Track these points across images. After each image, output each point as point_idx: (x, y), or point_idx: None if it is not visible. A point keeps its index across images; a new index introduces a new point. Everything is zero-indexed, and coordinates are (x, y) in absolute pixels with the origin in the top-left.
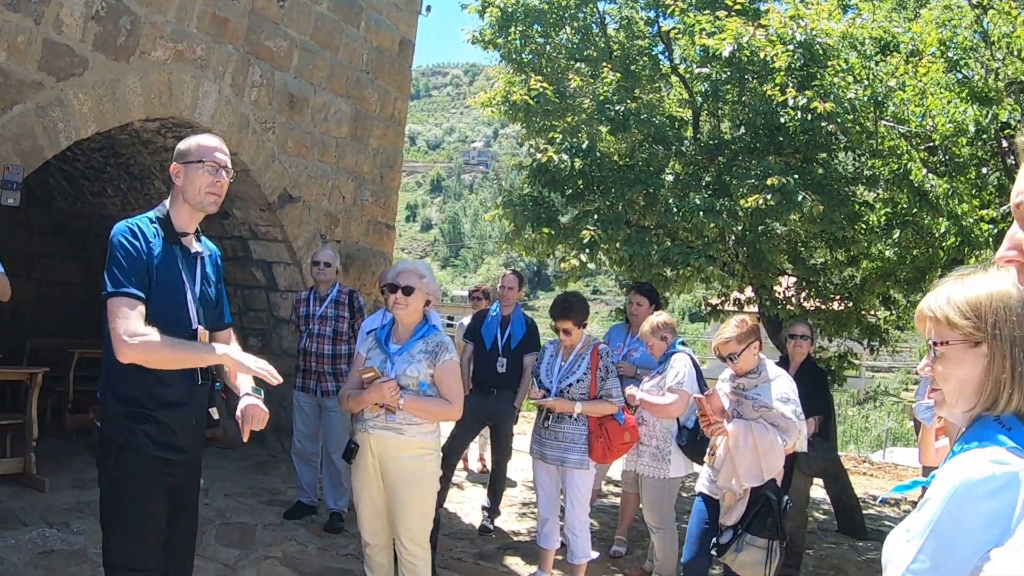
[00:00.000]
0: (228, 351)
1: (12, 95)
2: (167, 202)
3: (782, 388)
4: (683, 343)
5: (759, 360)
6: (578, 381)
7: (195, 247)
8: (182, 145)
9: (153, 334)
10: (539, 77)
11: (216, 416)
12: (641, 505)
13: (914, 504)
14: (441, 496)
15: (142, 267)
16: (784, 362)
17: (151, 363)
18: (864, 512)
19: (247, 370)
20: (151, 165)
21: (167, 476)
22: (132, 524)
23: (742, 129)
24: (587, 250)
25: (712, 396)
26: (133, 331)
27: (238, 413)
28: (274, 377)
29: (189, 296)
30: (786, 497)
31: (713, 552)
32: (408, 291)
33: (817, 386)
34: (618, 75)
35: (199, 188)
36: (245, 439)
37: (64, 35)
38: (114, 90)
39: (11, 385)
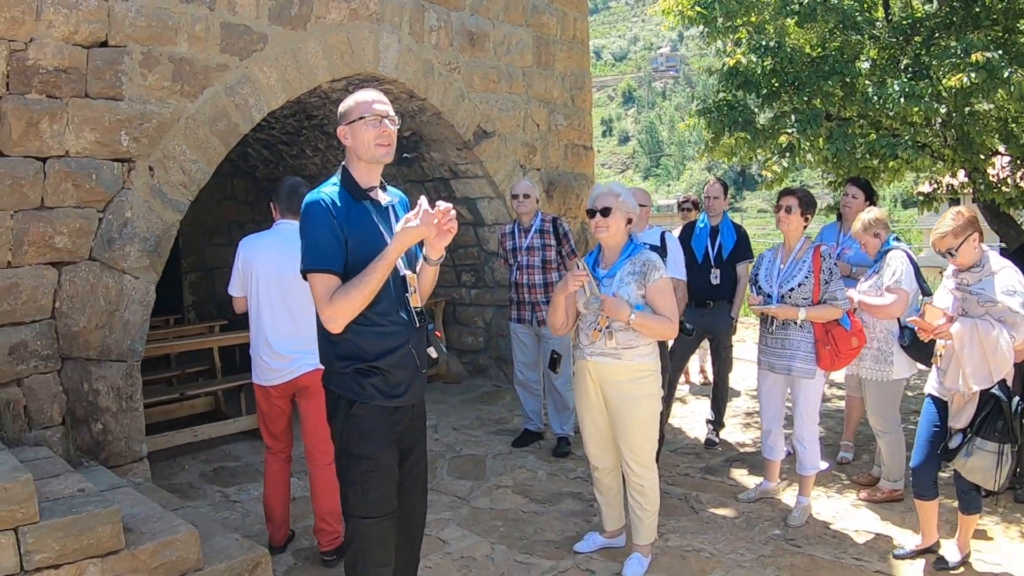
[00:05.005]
0: (389, 252)
1: (200, 81)
2: (344, 164)
3: (1007, 280)
4: (897, 238)
5: (981, 252)
6: (800, 285)
7: (384, 198)
8: (342, 108)
9: (336, 292)
10: None
11: (435, 355)
12: (865, 409)
13: None
14: (664, 414)
15: (336, 238)
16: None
17: (355, 310)
18: None
19: (413, 239)
20: None
21: (395, 425)
22: (367, 475)
23: (935, 4)
24: (787, 155)
25: (925, 311)
26: (328, 306)
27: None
28: (441, 215)
29: None
30: (1017, 398)
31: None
32: (606, 212)
33: None
34: None
35: (368, 143)
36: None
37: (239, 15)
38: (296, 58)
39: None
